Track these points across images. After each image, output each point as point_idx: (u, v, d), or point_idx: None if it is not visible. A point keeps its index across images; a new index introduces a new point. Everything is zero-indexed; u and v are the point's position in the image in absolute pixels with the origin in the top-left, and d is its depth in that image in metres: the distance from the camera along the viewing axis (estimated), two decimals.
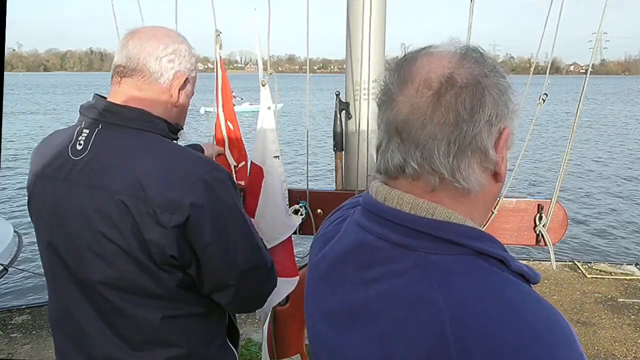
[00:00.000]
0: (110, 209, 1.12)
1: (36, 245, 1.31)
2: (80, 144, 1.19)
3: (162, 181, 1.12)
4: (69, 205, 1.18)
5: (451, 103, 0.67)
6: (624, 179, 14.13)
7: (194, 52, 1.32)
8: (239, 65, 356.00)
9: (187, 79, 1.29)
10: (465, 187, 0.69)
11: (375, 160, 0.78)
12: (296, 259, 1.88)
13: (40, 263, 1.32)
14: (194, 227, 1.13)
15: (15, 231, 4.87)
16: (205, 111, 29.51)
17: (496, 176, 0.73)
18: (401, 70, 0.72)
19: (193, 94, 1.38)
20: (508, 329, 0.60)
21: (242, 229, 1.24)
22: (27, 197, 1.32)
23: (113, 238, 1.13)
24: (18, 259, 4.65)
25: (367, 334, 0.70)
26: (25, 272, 5.69)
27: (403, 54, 0.75)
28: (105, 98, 1.25)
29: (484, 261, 0.68)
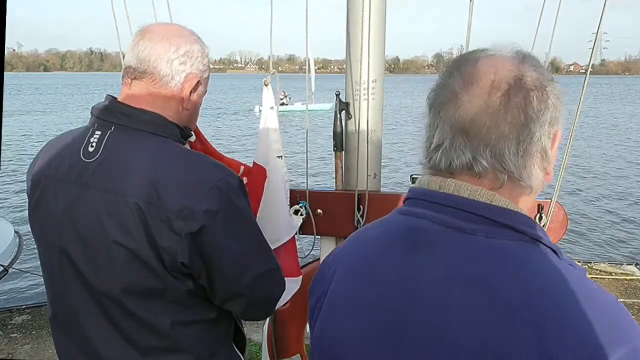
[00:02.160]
0: (124, 213, 1.11)
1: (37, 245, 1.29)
2: (92, 146, 1.17)
3: (177, 187, 1.11)
4: (82, 209, 1.16)
5: (521, 104, 0.70)
6: (625, 178, 14.13)
7: (207, 51, 1.29)
8: (239, 65, 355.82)
9: (199, 81, 1.26)
10: (528, 185, 0.73)
11: (427, 157, 0.79)
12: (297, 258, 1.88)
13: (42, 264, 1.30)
14: (208, 234, 1.12)
15: (15, 232, 4.87)
16: (260, 109, 29.73)
17: (547, 176, 0.76)
18: (462, 70, 0.74)
19: (206, 92, 1.34)
20: (594, 316, 0.63)
21: (253, 236, 1.23)
22: (28, 198, 1.28)
23: (126, 243, 1.11)
24: (18, 259, 4.65)
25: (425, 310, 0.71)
26: (26, 273, 5.70)
27: (460, 54, 0.79)
28: (117, 99, 1.22)
29: (544, 250, 0.71)
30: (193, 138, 1.45)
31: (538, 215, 1.83)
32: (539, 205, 1.83)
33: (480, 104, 0.71)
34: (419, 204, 0.78)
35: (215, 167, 1.19)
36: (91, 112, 1.23)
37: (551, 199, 1.83)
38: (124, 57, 1.27)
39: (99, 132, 1.18)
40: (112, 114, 1.19)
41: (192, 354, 1.23)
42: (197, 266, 1.14)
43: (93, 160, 1.16)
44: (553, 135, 0.74)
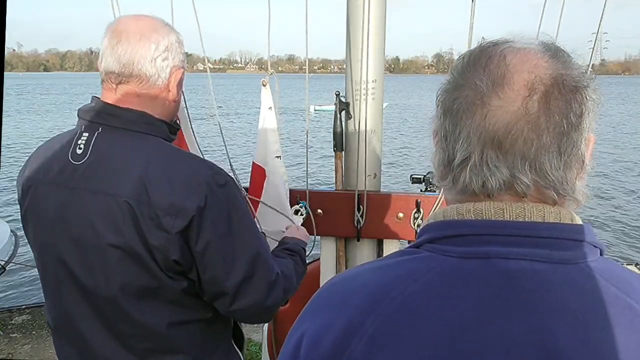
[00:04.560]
0: (115, 213, 1.11)
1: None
2: (80, 148, 1.17)
3: (166, 185, 1.11)
4: (73, 212, 1.16)
5: (562, 109, 0.60)
6: (624, 177, 14.13)
7: (181, 38, 1.27)
8: (239, 65, 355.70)
9: (182, 72, 1.26)
10: (574, 198, 0.64)
11: (450, 176, 0.66)
12: None
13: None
14: (195, 228, 1.12)
15: (11, 231, 4.86)
16: (315, 110, 29.82)
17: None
18: (487, 68, 0.62)
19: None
20: None
21: (244, 234, 1.21)
22: (20, 205, 1.27)
23: (118, 243, 1.11)
24: (15, 258, 4.65)
25: None
26: (26, 272, 5.69)
27: (479, 47, 0.66)
28: (104, 100, 1.21)
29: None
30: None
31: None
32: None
33: (515, 110, 0.60)
34: (491, 240, 0.61)
35: (204, 165, 1.19)
36: (78, 115, 1.22)
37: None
38: None
39: (87, 134, 1.18)
40: (99, 116, 1.18)
41: (189, 354, 1.22)
42: (187, 261, 1.14)
43: (82, 162, 1.16)
44: (588, 141, 0.64)
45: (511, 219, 0.62)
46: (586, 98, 0.62)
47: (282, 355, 0.68)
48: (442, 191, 1.85)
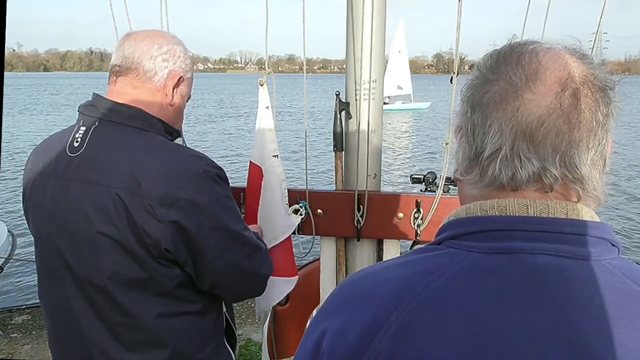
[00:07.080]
0: (106, 204, 1.14)
1: (32, 245, 1.31)
2: (77, 141, 1.21)
3: (159, 176, 1.14)
4: (67, 202, 1.19)
5: (591, 107, 0.62)
6: (624, 177, 14.12)
7: (190, 54, 1.34)
8: (239, 65, 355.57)
9: (181, 77, 1.30)
10: (596, 196, 0.64)
11: (478, 169, 0.66)
12: (295, 258, 1.88)
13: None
14: (190, 221, 1.15)
15: (9, 231, 4.87)
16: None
17: None
18: (521, 64, 0.64)
19: (190, 97, 1.39)
20: None
21: (235, 222, 1.26)
22: (22, 197, 1.32)
23: (110, 233, 1.14)
24: (13, 258, 4.66)
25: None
26: (26, 272, 5.69)
27: (508, 46, 0.67)
28: (102, 96, 1.27)
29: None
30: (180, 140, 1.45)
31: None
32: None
33: (547, 104, 0.61)
34: (515, 235, 0.61)
35: (196, 157, 1.23)
36: (78, 111, 1.27)
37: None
38: None
39: (84, 128, 1.22)
40: (96, 110, 1.23)
41: (177, 347, 1.24)
42: (181, 253, 1.17)
43: (77, 155, 1.20)
44: (608, 143, 0.65)
45: (535, 214, 0.62)
46: (612, 99, 0.64)
47: (301, 353, 0.68)
48: (440, 191, 1.85)
